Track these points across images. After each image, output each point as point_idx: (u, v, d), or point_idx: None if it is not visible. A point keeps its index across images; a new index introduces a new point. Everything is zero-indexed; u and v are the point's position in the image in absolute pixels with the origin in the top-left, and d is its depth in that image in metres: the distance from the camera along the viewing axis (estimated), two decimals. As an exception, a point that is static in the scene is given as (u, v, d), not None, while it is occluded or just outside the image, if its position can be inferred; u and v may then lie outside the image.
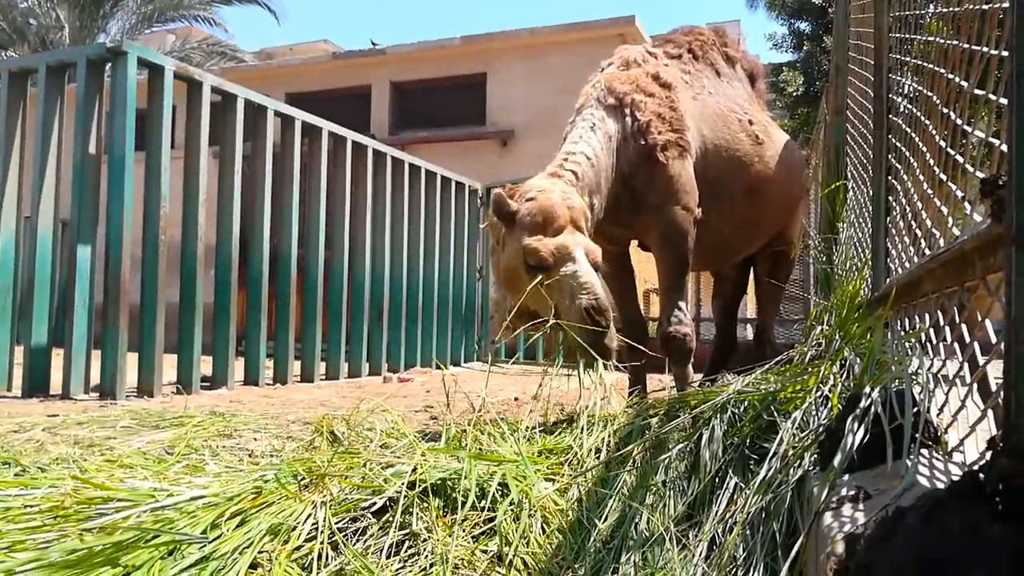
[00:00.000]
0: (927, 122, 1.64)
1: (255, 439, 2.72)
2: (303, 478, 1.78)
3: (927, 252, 1.50)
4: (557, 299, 2.81)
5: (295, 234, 6.09)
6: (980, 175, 1.14)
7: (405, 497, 1.61)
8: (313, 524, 1.57)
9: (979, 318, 1.12)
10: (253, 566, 1.45)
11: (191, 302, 5.09)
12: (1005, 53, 1.03)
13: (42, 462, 2.18)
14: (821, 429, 1.45)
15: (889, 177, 2.25)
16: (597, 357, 2.64)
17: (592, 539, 1.56)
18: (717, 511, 1.53)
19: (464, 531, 1.59)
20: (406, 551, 1.54)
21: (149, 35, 20.64)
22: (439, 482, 1.69)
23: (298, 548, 1.51)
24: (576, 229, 2.95)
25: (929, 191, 1.55)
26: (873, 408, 1.15)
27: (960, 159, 1.30)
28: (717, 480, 1.65)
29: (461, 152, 12.14)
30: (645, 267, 6.22)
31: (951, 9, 1.49)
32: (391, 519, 1.59)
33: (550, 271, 2.85)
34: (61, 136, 4.89)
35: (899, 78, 2.21)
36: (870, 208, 2.49)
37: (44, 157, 4.79)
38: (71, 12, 19.21)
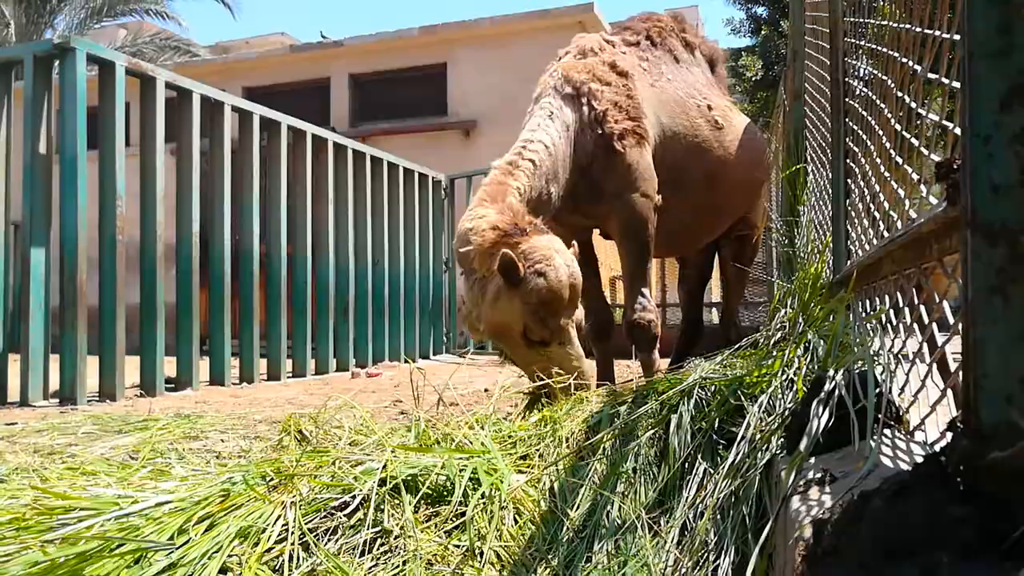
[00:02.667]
0: (882, 105, 1.67)
1: (222, 440, 2.68)
2: (272, 479, 1.76)
3: (885, 234, 1.52)
4: (546, 364, 2.89)
5: (256, 230, 6.00)
6: (935, 158, 1.16)
7: (376, 494, 1.60)
8: (283, 525, 1.56)
9: (937, 299, 1.14)
10: (223, 571, 1.43)
11: (152, 302, 5.00)
12: (957, 36, 1.04)
13: (0, 472, 2.12)
14: (787, 413, 1.46)
15: (847, 160, 2.28)
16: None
17: (565, 529, 1.57)
18: (687, 497, 1.54)
19: (436, 526, 1.58)
20: (379, 549, 1.53)
21: (99, 30, 20.12)
22: (410, 478, 1.68)
23: (268, 550, 1.50)
24: (574, 307, 2.99)
25: (886, 174, 1.58)
26: (837, 390, 1.17)
27: (915, 142, 1.32)
28: (687, 466, 1.67)
29: (423, 143, 12.07)
30: (610, 254, 6.26)
31: (903, -7, 1.51)
32: (363, 517, 1.58)
33: (546, 346, 2.92)
34: (9, 136, 4.76)
35: (854, 62, 2.24)
36: (830, 191, 2.52)
37: (-8, 158, 4.66)
38: (16, 8, 18.67)
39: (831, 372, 1.22)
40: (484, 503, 1.62)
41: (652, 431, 1.82)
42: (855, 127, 2.14)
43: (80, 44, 4.62)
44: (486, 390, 4.26)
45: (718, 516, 1.41)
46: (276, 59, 14.02)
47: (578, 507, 1.63)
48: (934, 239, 1.07)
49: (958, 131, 0.89)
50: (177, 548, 1.45)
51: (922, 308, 1.22)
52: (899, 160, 1.43)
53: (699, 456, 1.66)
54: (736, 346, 2.28)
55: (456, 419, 2.20)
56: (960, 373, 0.77)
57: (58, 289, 4.59)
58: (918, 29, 1.30)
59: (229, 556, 1.46)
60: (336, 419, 2.35)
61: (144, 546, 1.44)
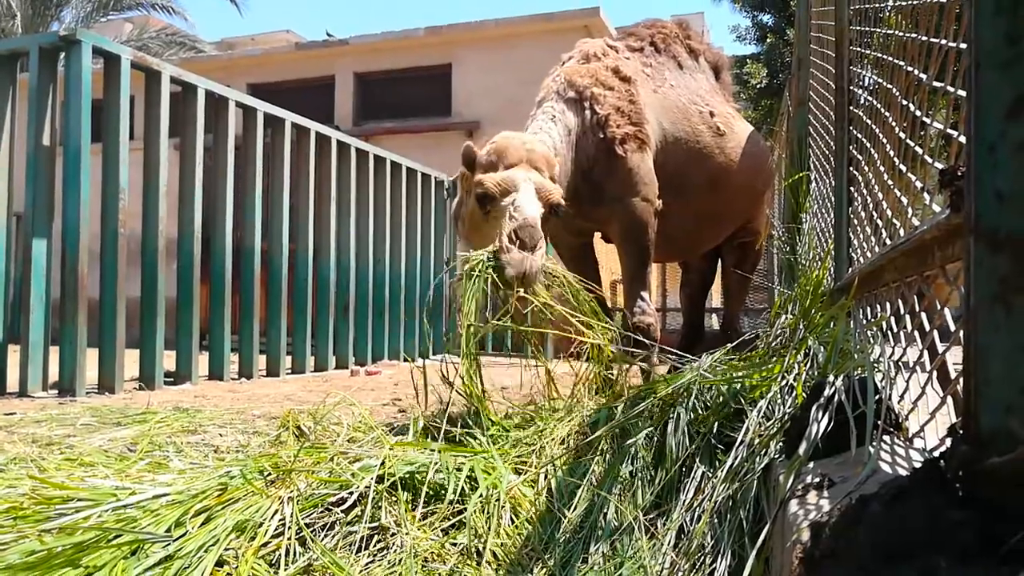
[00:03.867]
0: (887, 114, 1.67)
1: (220, 435, 2.68)
2: (269, 474, 1.76)
3: (888, 242, 1.52)
4: (496, 230, 2.78)
5: (258, 227, 6.00)
6: (939, 166, 1.16)
7: (373, 491, 1.60)
8: (280, 520, 1.56)
9: (938, 306, 1.14)
10: (219, 564, 1.43)
11: (153, 296, 4.99)
12: (963, 45, 1.05)
13: (-1, 462, 2.13)
14: (786, 417, 1.47)
15: (851, 168, 2.29)
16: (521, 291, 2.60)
17: (562, 529, 1.57)
18: (685, 500, 1.54)
19: (433, 524, 1.59)
20: (375, 545, 1.53)
21: (105, 23, 20.10)
22: (408, 476, 1.68)
23: (265, 545, 1.50)
24: (533, 169, 2.96)
25: (889, 182, 1.58)
26: (836, 396, 1.17)
27: (919, 150, 1.32)
28: (684, 469, 1.67)
29: (427, 143, 12.07)
30: (611, 258, 6.26)
31: (910, 2, 1.51)
32: (360, 514, 1.58)
33: (495, 202, 2.86)
34: (13, 127, 4.76)
35: (860, 70, 2.24)
36: (832, 198, 2.53)
37: (-4, 149, 4.66)
38: (23, 0, 18.68)
39: (831, 378, 1.22)
40: (481, 502, 1.63)
41: (650, 433, 1.83)
42: (859, 135, 2.15)
43: (86, 37, 4.62)
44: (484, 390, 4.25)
45: (715, 519, 1.41)
46: (281, 56, 14.02)
47: (575, 508, 1.63)
48: (937, 246, 1.08)
49: (963, 139, 0.89)
50: (174, 540, 1.45)
51: (923, 316, 1.23)
52: (903, 168, 1.43)
53: (697, 459, 1.66)
54: (731, 342, 2.28)
55: (454, 418, 2.20)
56: (960, 380, 0.77)
57: (59, 281, 4.59)
58: (924, 38, 1.31)
59: (226, 549, 1.46)
60: (334, 416, 2.35)
61: (141, 538, 1.44)
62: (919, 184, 1.31)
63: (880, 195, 1.70)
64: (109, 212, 4.74)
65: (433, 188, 8.71)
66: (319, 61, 13.50)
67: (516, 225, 2.68)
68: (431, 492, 1.67)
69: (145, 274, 5.02)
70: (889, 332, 1.47)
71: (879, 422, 1.07)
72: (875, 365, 1.27)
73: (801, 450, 1.15)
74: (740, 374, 1.89)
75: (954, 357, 0.99)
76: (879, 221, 1.69)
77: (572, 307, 2.74)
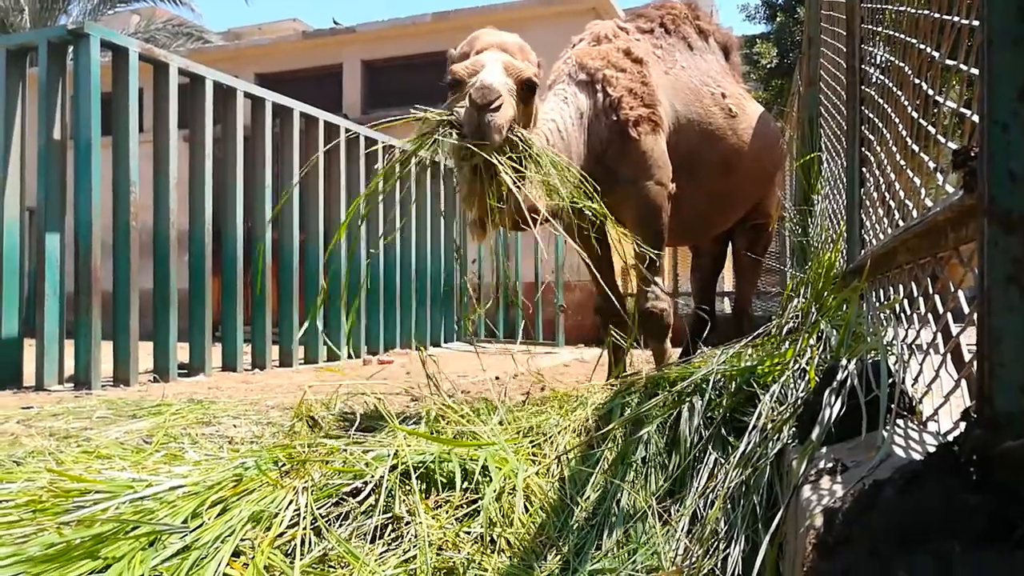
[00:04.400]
0: (899, 93, 1.65)
1: (234, 426, 2.70)
2: (284, 464, 1.78)
3: (900, 223, 1.51)
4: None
5: (268, 217, 6.02)
6: (952, 146, 1.14)
7: (387, 481, 1.61)
8: (295, 510, 1.57)
9: (952, 288, 1.13)
10: (235, 554, 1.44)
11: (165, 288, 5.02)
12: (976, 22, 1.03)
13: (17, 455, 2.15)
14: (799, 402, 1.46)
15: (862, 148, 2.26)
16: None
17: (575, 517, 1.57)
18: (698, 486, 1.54)
19: (447, 513, 1.59)
20: (390, 535, 1.54)
21: (112, 16, 20.14)
22: (421, 465, 1.69)
23: (281, 535, 1.51)
24: (504, 52, 2.90)
25: (902, 162, 1.56)
26: (849, 380, 1.16)
27: (932, 130, 1.30)
28: (697, 455, 1.66)
29: (435, 131, 12.01)
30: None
31: (922, -21, 1.49)
32: (374, 503, 1.59)
33: (463, 86, 2.79)
34: (24, 122, 4.78)
35: (871, 49, 2.22)
36: (844, 179, 2.51)
37: (7, 144, 4.67)
38: (31, -6, 18.73)
39: (844, 361, 1.21)
40: (495, 491, 1.63)
41: (662, 420, 1.82)
42: (871, 115, 2.12)
43: (94, 30, 4.63)
44: (496, 378, 4.26)
45: (728, 505, 1.41)
46: (288, 45, 14.00)
47: (588, 496, 1.64)
48: (950, 228, 1.06)
49: (976, 119, 0.88)
50: (191, 531, 1.46)
51: (937, 298, 1.21)
52: (915, 148, 1.41)
53: (710, 446, 1.66)
54: (750, 336, 2.27)
55: (467, 406, 2.21)
56: (975, 363, 0.76)
57: (72, 274, 4.62)
58: (936, 15, 1.29)
59: (242, 540, 1.47)
60: (348, 406, 2.36)
61: (158, 529, 1.45)
62: (932, 164, 1.30)
63: (892, 176, 1.68)
64: (120, 205, 4.76)
65: (442, 175, 8.69)
66: (326, 50, 13.46)
67: (471, 89, 2.61)
68: (445, 481, 1.67)
69: (157, 266, 5.05)
70: (902, 315, 1.46)
71: (893, 406, 1.06)
72: (888, 348, 1.26)
73: (814, 435, 1.14)
74: (751, 361, 1.88)
75: (968, 339, 0.98)
76: (892, 202, 1.67)
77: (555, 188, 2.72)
